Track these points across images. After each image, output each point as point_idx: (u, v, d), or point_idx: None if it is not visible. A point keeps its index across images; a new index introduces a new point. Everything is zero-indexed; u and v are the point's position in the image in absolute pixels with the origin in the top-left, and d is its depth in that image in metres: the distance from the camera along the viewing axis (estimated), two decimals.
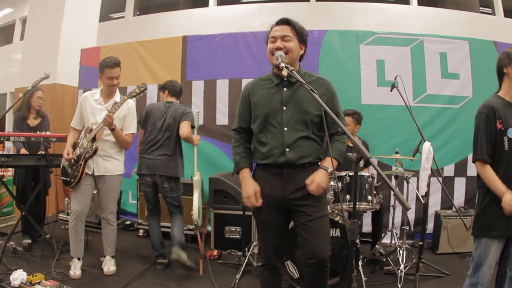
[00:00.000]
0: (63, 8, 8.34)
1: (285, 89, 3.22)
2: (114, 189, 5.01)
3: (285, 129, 3.15)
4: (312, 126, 3.21)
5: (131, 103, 5.08)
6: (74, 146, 4.87)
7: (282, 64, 2.90)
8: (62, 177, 4.98)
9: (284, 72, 2.90)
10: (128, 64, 7.36)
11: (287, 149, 3.13)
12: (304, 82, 2.85)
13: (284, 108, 3.17)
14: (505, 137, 3.12)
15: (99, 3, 9.39)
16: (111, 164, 4.90)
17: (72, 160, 4.78)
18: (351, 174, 4.80)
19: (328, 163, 3.14)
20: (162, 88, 5.71)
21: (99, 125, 4.64)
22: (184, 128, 5.22)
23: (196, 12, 13.14)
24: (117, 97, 4.96)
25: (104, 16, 12.85)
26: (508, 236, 3.18)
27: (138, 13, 14.22)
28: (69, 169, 4.85)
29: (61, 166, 5.07)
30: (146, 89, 4.86)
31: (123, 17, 14.04)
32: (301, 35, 3.24)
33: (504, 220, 3.09)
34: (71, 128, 5.03)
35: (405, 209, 2.28)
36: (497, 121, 3.13)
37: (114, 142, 4.88)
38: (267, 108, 3.20)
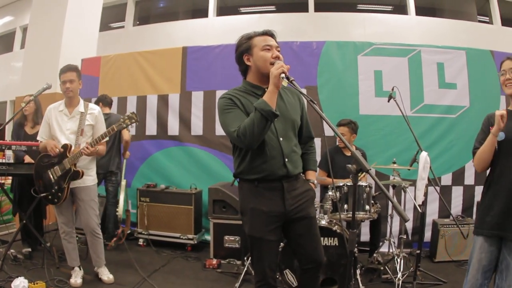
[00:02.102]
0: (64, 17, 8.36)
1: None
2: (92, 201, 4.95)
3: (281, 139, 3.11)
4: (297, 134, 3.29)
5: (98, 110, 5.02)
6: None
7: (283, 75, 2.80)
8: (43, 194, 4.83)
9: (284, 83, 2.83)
10: (128, 74, 7.48)
11: (286, 160, 3.09)
12: (302, 91, 2.88)
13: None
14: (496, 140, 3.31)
15: (99, 13, 9.43)
16: (85, 175, 4.82)
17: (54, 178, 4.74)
18: (349, 184, 4.87)
19: (313, 175, 3.39)
20: (96, 101, 6.41)
21: (78, 153, 4.59)
22: (126, 134, 6.43)
23: (196, 22, 13.21)
24: (81, 106, 4.89)
25: (104, 26, 12.90)
26: (501, 240, 3.27)
27: (138, 23, 14.28)
28: (50, 187, 4.79)
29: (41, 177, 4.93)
30: (137, 121, 4.71)
31: (123, 27, 14.10)
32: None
33: (489, 219, 3.29)
34: (40, 142, 4.94)
35: (404, 221, 2.29)
36: (491, 127, 3.27)
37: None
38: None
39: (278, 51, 3.13)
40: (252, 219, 3.14)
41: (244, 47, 3.20)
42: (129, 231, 7.06)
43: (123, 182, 6.58)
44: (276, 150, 3.08)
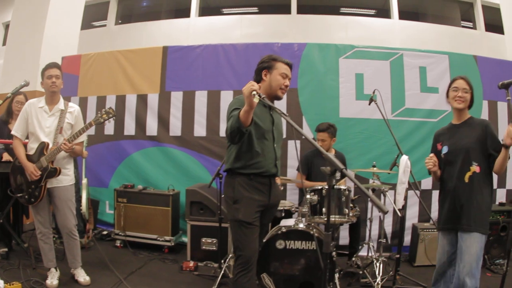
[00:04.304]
0: (45, 15, 8.26)
1: (271, 112, 3.79)
2: (70, 201, 4.90)
3: (275, 145, 3.78)
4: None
5: (77, 110, 4.98)
6: (28, 161, 4.73)
7: (254, 92, 3.06)
8: (18, 194, 4.81)
9: (256, 100, 3.06)
10: (108, 73, 7.40)
11: (276, 162, 3.78)
12: (274, 106, 3.25)
13: (274, 128, 3.77)
14: (442, 154, 4.04)
15: (81, 11, 9.32)
16: (62, 174, 4.79)
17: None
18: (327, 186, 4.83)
19: (278, 181, 4.18)
20: None
21: (55, 150, 4.58)
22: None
23: (178, 22, 13.12)
24: (61, 104, 4.86)
25: (87, 24, 12.79)
26: (456, 232, 3.86)
27: (120, 22, 14.17)
28: (25, 187, 4.76)
29: (16, 181, 4.90)
30: (115, 115, 4.84)
31: (105, 25, 13.98)
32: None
33: (443, 216, 4.00)
34: (14, 137, 4.83)
35: (382, 212, 2.33)
36: (438, 144, 4.14)
37: (63, 153, 4.74)
38: (265, 125, 3.65)
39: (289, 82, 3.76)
40: (246, 207, 3.59)
41: (267, 64, 3.72)
42: (105, 232, 7.05)
43: (84, 181, 6.51)
44: (272, 153, 3.74)
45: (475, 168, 3.78)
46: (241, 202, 3.59)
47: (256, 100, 3.04)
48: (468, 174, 3.79)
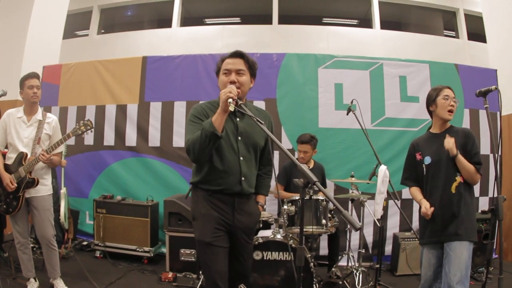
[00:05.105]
0: (27, 23, 8.18)
1: (238, 119, 3.31)
2: (48, 211, 4.89)
3: (241, 158, 3.25)
4: (257, 157, 3.44)
5: (55, 120, 5.00)
6: (6, 171, 4.73)
7: (230, 100, 2.89)
8: None
9: (231, 108, 2.89)
10: (88, 83, 7.37)
11: (243, 179, 3.24)
12: (251, 115, 2.88)
13: (239, 138, 3.26)
14: (423, 165, 3.93)
15: (63, 20, 9.27)
16: (40, 184, 4.80)
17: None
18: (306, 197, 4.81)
19: (263, 199, 3.66)
20: None
21: (34, 160, 4.61)
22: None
23: (159, 32, 13.06)
24: (39, 114, 4.88)
25: (70, 34, 12.71)
26: (442, 244, 3.76)
27: (103, 31, 14.12)
28: (3, 197, 4.76)
29: None
30: (92, 128, 4.83)
31: (87, 35, 13.93)
32: (253, 69, 3.33)
33: (428, 229, 3.85)
34: None
35: (354, 229, 2.34)
36: (417, 153, 4.00)
37: (41, 163, 4.73)
38: (225, 136, 3.17)
39: (240, 74, 3.24)
40: (203, 225, 3.23)
41: (217, 68, 3.38)
42: (85, 243, 7.00)
43: (63, 190, 6.43)
44: (235, 168, 3.23)
45: (460, 178, 3.72)
46: (198, 219, 3.29)
47: (231, 108, 2.88)
48: (455, 184, 3.72)
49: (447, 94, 3.85)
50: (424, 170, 3.91)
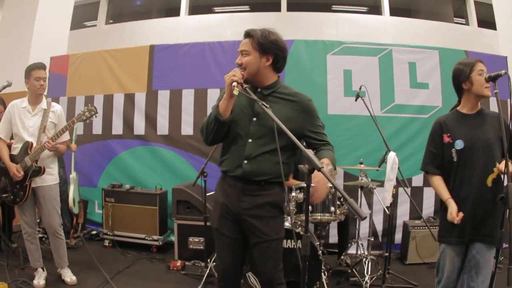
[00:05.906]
0: (35, 15, 8.20)
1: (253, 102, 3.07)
2: (54, 200, 4.91)
3: (250, 140, 3.03)
4: (276, 142, 2.86)
5: (60, 109, 5.00)
6: (12, 161, 4.74)
7: (234, 83, 2.80)
8: (3, 195, 4.82)
9: (235, 92, 2.78)
10: (96, 73, 7.37)
11: (245, 161, 3.01)
12: (256, 98, 2.78)
13: (254, 119, 3.04)
14: (453, 149, 3.37)
15: (71, 11, 9.26)
16: (46, 174, 4.82)
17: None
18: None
19: (326, 161, 2.94)
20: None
21: (39, 149, 4.61)
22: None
23: (168, 21, 13.06)
24: (44, 103, 4.87)
25: (78, 24, 12.73)
26: (467, 243, 3.35)
27: (111, 21, 14.12)
28: (10, 187, 4.79)
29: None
30: (96, 113, 4.83)
31: (95, 25, 13.93)
32: (262, 45, 3.01)
33: (458, 227, 3.29)
34: None
35: (360, 218, 2.23)
36: (445, 135, 3.43)
37: (48, 152, 4.76)
38: (238, 116, 3.05)
39: (244, 54, 3.04)
40: (214, 210, 3.23)
41: None
42: (94, 232, 7.05)
43: (73, 175, 6.48)
44: (240, 150, 3.05)
45: (497, 169, 3.23)
46: (213, 204, 3.27)
47: (236, 92, 2.77)
48: (492, 176, 3.25)
49: (482, 68, 3.33)
50: (455, 156, 3.38)
